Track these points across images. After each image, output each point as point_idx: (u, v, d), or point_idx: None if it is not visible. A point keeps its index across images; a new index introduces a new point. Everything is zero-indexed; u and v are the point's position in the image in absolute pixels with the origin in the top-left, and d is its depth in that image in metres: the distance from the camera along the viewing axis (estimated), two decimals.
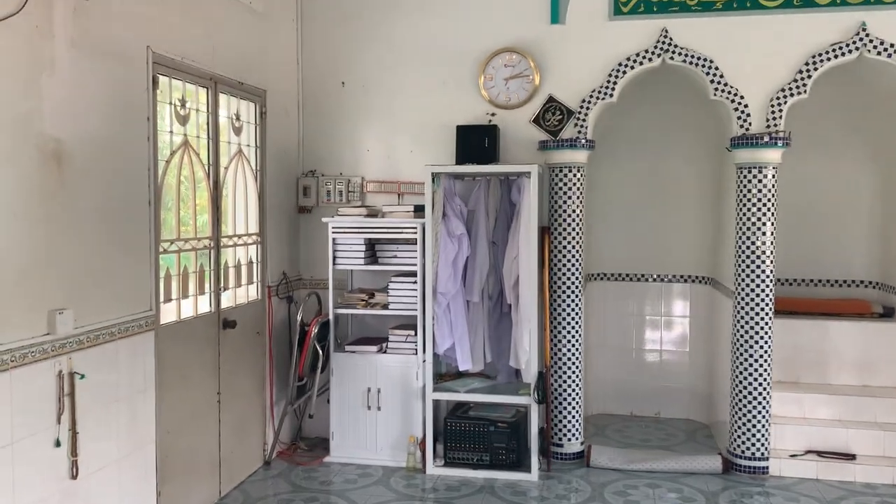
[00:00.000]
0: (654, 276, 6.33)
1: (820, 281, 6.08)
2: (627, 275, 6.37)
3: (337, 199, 5.63)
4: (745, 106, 5.01)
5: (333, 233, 5.23)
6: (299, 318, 5.29)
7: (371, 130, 5.64)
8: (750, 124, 5.01)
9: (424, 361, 5.12)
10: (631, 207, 6.27)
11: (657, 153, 6.22)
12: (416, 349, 5.15)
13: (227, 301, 4.73)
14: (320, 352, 5.24)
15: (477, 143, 5.19)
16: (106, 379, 3.59)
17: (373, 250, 5.34)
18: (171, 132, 4.17)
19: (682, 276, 6.28)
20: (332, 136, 5.69)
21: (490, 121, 5.39)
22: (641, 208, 6.28)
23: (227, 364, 4.67)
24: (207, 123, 4.51)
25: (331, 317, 5.26)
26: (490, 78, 5.38)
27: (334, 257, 5.25)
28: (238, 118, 4.88)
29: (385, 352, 5.23)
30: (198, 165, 4.43)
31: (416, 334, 5.15)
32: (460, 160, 5.19)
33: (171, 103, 4.15)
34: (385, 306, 5.23)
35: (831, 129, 5.94)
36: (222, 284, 4.64)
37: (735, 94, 5.01)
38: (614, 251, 6.30)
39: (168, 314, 4.15)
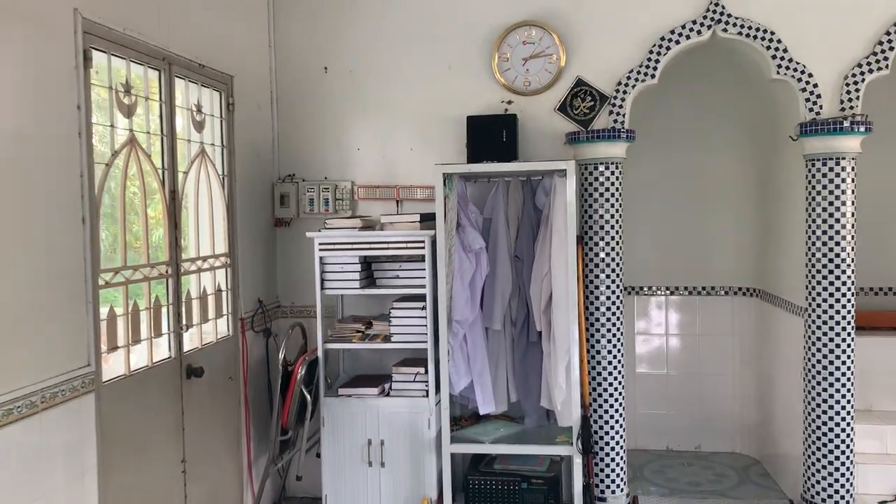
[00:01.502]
0: (690, 289, 5.48)
1: (891, 290, 5.29)
2: (658, 287, 5.50)
3: (321, 208, 4.66)
4: (815, 86, 4.18)
5: (321, 250, 4.25)
6: (281, 356, 4.30)
7: (361, 125, 4.68)
8: (821, 107, 4.18)
9: (438, 405, 4.17)
10: (660, 209, 5.41)
11: (690, 147, 5.37)
12: (426, 390, 4.20)
13: (191, 342, 3.74)
14: (308, 397, 4.25)
15: (492, 136, 4.28)
16: (24, 469, 2.57)
17: (369, 270, 4.38)
18: (113, 126, 3.17)
19: (722, 288, 5.43)
20: (315, 134, 4.72)
21: (507, 110, 4.48)
22: (672, 210, 5.43)
23: (194, 422, 3.67)
24: (161, 116, 3.52)
25: (319, 353, 4.28)
26: (505, 58, 4.46)
27: (322, 280, 4.28)
28: (199, 110, 3.89)
29: (388, 394, 4.27)
30: (149, 170, 3.43)
31: (426, 372, 4.20)
32: (473, 158, 4.27)
33: (111, 88, 3.15)
34: (386, 338, 4.27)
35: None
36: (184, 322, 3.64)
37: (802, 72, 4.18)
38: (642, 260, 5.42)
39: (114, 367, 3.15)
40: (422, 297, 4.21)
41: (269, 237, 4.71)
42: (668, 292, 5.51)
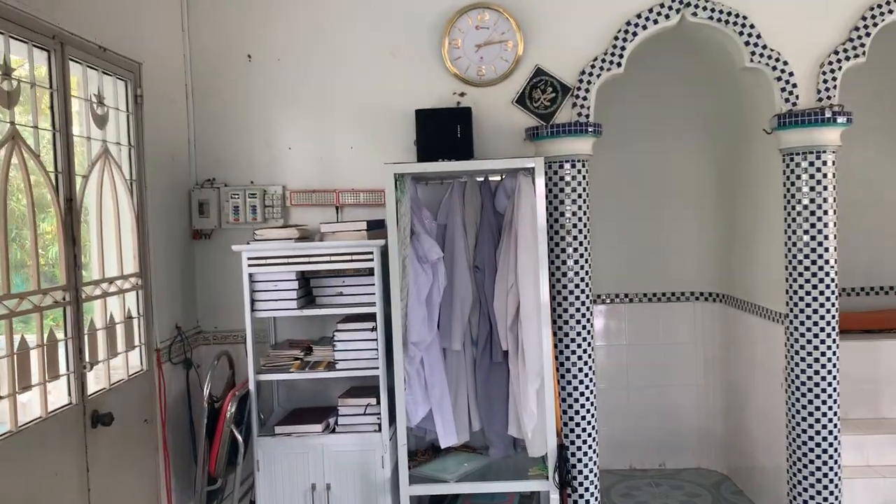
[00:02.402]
0: (650, 295, 5.12)
1: (871, 290, 5.08)
2: (617, 295, 5.12)
3: (248, 217, 4.05)
4: (790, 74, 3.88)
5: (250, 265, 3.65)
6: (205, 392, 3.67)
7: (293, 121, 4.10)
8: (797, 97, 3.88)
9: (393, 440, 3.64)
10: (615, 211, 5.03)
11: (647, 143, 5.03)
12: (378, 424, 3.66)
13: (97, 383, 3.08)
14: (239, 438, 3.64)
15: (445, 132, 3.79)
16: None
17: (308, 287, 3.81)
18: None
19: (683, 294, 5.10)
20: (238, 131, 4.11)
21: (459, 103, 4.00)
22: (628, 211, 5.07)
23: (102, 480, 3.01)
24: (52, 107, 2.86)
25: (251, 386, 3.67)
26: (457, 45, 3.98)
27: (253, 300, 3.68)
28: (101, 102, 3.23)
29: (333, 431, 3.71)
30: (38, 172, 2.77)
31: (377, 403, 3.66)
32: (424, 156, 3.77)
33: None
34: (330, 365, 3.71)
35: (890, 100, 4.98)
36: (87, 359, 2.97)
37: (777, 60, 3.88)
38: (597, 266, 5.00)
39: None
40: (371, 317, 3.67)
41: (187, 252, 4.07)
42: (626, 300, 5.14)
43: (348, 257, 3.65)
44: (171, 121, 3.93)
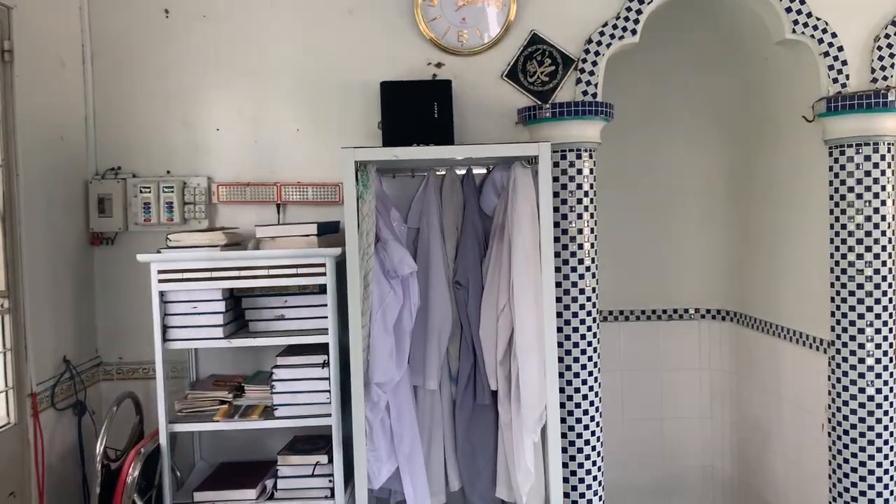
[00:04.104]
0: (647, 313, 4.37)
1: None
2: (610, 312, 4.35)
3: (163, 217, 3.17)
4: (840, 49, 3.17)
5: (162, 281, 2.77)
6: (99, 448, 2.76)
7: (222, 95, 3.23)
8: (847, 77, 3.18)
9: None
10: (610, 214, 4.25)
11: (649, 136, 4.26)
12: (331, 488, 2.81)
13: None
14: None
15: (418, 111, 2.98)
16: None
17: (238, 309, 2.94)
18: None
19: (686, 311, 4.37)
20: (151, 106, 3.22)
21: (436, 75, 3.18)
22: (626, 215, 4.29)
23: None
24: None
25: (162, 441, 2.78)
26: (432, 2, 3.16)
27: (165, 327, 2.80)
28: None
29: (272, 497, 2.85)
30: None
31: (329, 461, 2.81)
32: (391, 140, 2.94)
33: None
34: (268, 411, 2.85)
35: None
36: None
37: (825, 31, 3.17)
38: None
39: None
40: (321, 349, 2.83)
41: (83, 261, 3.15)
42: (621, 317, 4.38)
43: (293, 270, 2.80)
44: (60, 89, 3.02)
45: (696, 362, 4.36)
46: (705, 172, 4.26)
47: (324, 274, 2.78)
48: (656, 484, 4.37)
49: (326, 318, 2.80)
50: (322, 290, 2.82)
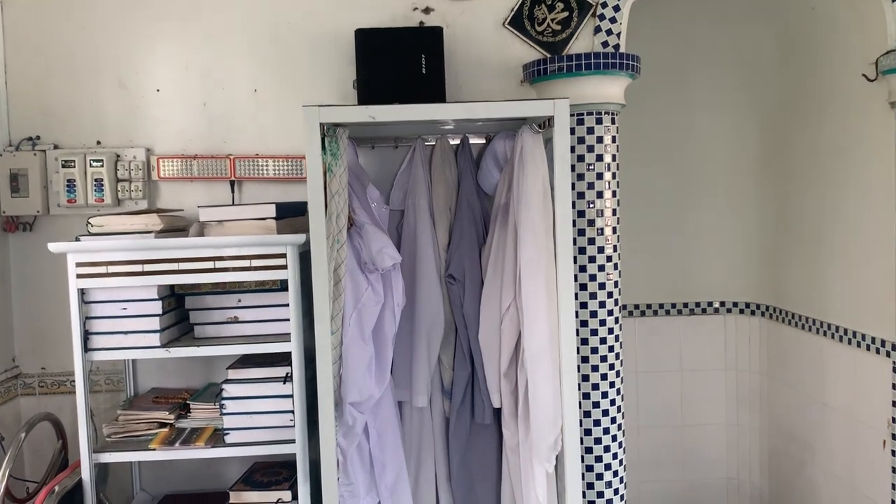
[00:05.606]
0: (666, 307, 3.85)
1: None
2: (625, 306, 3.81)
3: (91, 197, 2.61)
4: None
5: (81, 276, 2.21)
6: (2, 483, 2.20)
7: (162, 49, 2.65)
8: None
9: None
10: (621, 195, 3.71)
11: (664, 102, 3.71)
12: None
13: None
14: None
15: (401, 64, 2.41)
16: None
17: (180, 310, 2.38)
18: None
19: (711, 304, 3.85)
20: (76, 63, 2.64)
21: (423, 22, 2.61)
22: (637, 196, 3.74)
23: None
24: None
25: (85, 475, 2.23)
26: None
27: (87, 333, 2.24)
28: None
29: None
30: None
31: (293, 497, 2.27)
32: (368, 98, 2.38)
33: None
34: (217, 435, 2.30)
35: None
36: None
37: None
38: None
39: None
40: (282, 358, 2.28)
41: None
42: (637, 312, 3.85)
43: (245, 262, 2.24)
44: None
45: (721, 362, 3.87)
46: (734, 144, 3.73)
47: (284, 267, 2.23)
48: (675, 498, 3.88)
49: (288, 320, 2.25)
50: (282, 286, 2.27)
